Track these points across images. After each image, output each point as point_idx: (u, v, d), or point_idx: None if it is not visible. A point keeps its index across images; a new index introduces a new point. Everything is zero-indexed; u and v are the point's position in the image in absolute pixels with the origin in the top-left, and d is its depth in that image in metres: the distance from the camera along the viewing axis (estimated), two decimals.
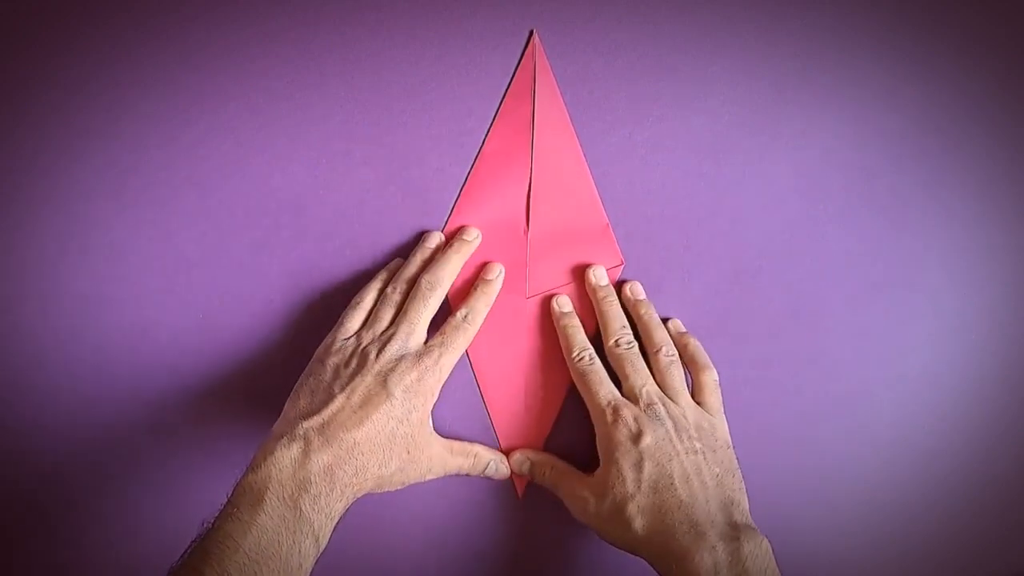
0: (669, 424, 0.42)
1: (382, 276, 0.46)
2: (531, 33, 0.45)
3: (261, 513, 0.34)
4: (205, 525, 0.35)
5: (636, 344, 0.46)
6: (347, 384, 0.40)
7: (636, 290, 0.47)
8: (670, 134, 0.47)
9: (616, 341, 0.45)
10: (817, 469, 0.50)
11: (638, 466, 0.41)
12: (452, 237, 0.46)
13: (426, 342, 0.43)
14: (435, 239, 0.46)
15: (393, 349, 0.41)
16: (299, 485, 0.36)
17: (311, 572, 0.36)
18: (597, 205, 0.47)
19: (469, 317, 0.44)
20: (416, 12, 0.46)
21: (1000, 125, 0.49)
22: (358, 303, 0.45)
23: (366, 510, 0.48)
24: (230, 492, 0.36)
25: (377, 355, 0.41)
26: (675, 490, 0.40)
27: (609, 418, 0.43)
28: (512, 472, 0.47)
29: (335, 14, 0.45)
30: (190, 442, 0.48)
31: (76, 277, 0.46)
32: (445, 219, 0.47)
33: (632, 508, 0.40)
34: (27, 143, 0.45)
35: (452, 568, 0.50)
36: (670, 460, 0.41)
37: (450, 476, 0.46)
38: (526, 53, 0.46)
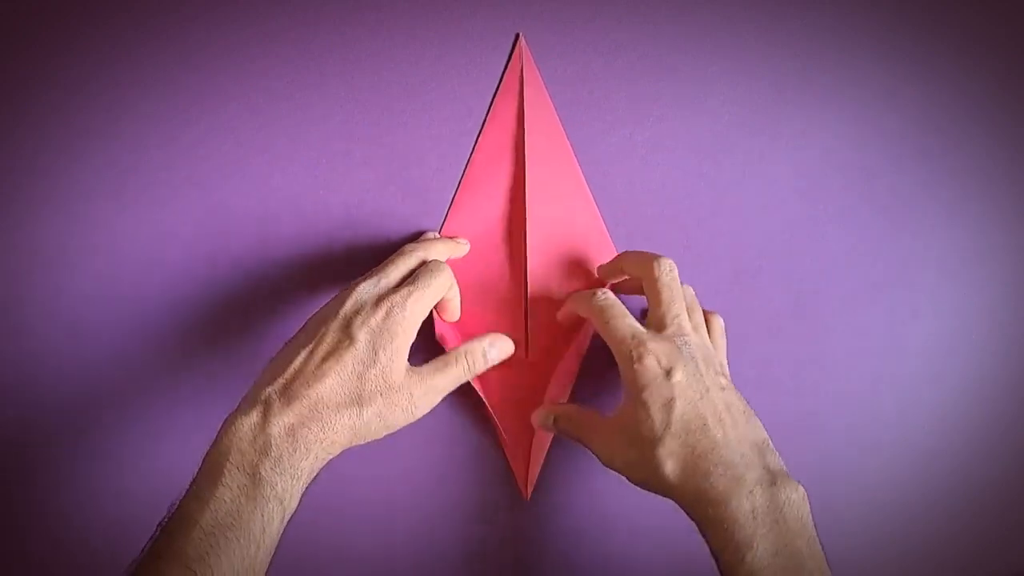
0: (700, 357, 0.40)
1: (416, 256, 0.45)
2: (517, 36, 0.45)
3: (219, 486, 0.34)
4: (171, 507, 0.35)
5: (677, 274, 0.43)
6: (312, 338, 0.38)
7: None
8: (670, 134, 0.47)
9: (658, 261, 0.42)
10: (817, 469, 0.50)
11: (668, 406, 0.38)
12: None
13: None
14: (430, 235, 0.46)
15: (360, 291, 0.39)
16: (259, 451, 0.35)
17: (280, 533, 0.36)
18: (590, 202, 0.47)
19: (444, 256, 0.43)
20: (416, 12, 0.46)
21: (1000, 125, 0.49)
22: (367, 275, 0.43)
23: (369, 510, 0.48)
24: None
25: (343, 301, 0.39)
26: (708, 431, 0.37)
27: (635, 353, 0.39)
28: (535, 425, 0.45)
29: (335, 14, 0.45)
30: (191, 441, 0.48)
31: (76, 277, 0.46)
32: (442, 219, 0.47)
33: (662, 451, 0.37)
34: (27, 143, 0.45)
35: (458, 570, 0.50)
36: (701, 398, 0.38)
37: (454, 465, 0.46)
38: (513, 55, 0.45)
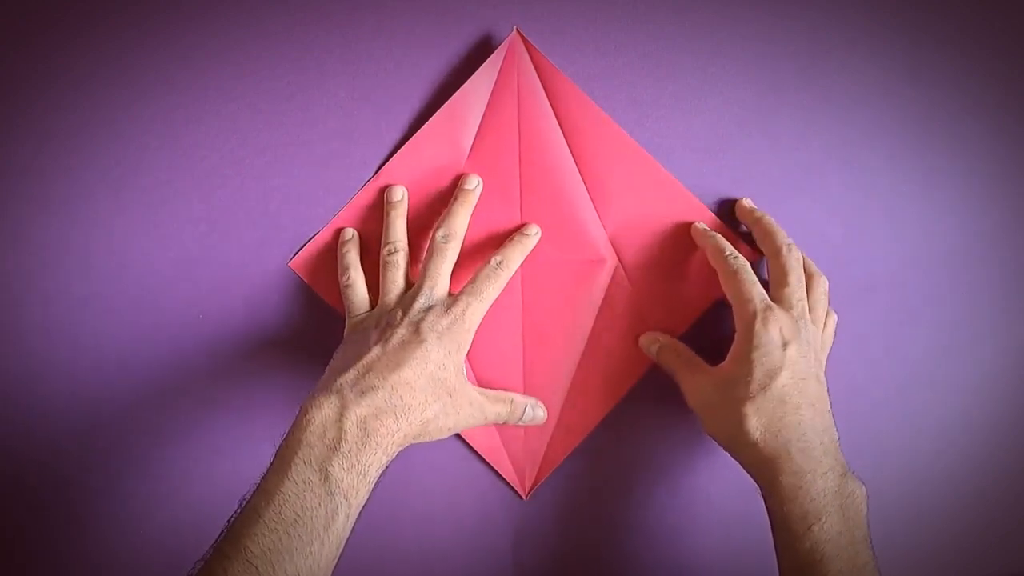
0: (814, 345, 0.42)
1: (349, 246, 0.45)
2: (514, 29, 0.45)
3: (285, 480, 0.34)
4: (241, 501, 0.35)
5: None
6: (380, 337, 0.39)
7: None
8: (670, 134, 0.47)
9: (789, 247, 0.44)
10: None
11: (774, 372, 0.40)
12: (455, 189, 0.45)
13: (452, 294, 0.42)
14: (398, 193, 0.45)
15: (420, 303, 0.40)
16: (329, 446, 0.35)
17: (347, 531, 0.36)
18: (584, 195, 0.47)
19: (503, 264, 0.43)
20: (417, 12, 0.46)
21: (1000, 124, 0.49)
22: (348, 284, 0.44)
23: (372, 512, 0.48)
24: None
25: (404, 313, 0.40)
26: (799, 410, 0.40)
27: (761, 316, 0.41)
28: (642, 347, 0.47)
29: (335, 14, 0.45)
30: (191, 441, 0.48)
31: (76, 278, 0.46)
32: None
33: (750, 408, 0.40)
34: (27, 143, 0.45)
35: (456, 570, 0.50)
36: (804, 379, 0.41)
37: (461, 464, 0.47)
38: (509, 48, 0.45)
